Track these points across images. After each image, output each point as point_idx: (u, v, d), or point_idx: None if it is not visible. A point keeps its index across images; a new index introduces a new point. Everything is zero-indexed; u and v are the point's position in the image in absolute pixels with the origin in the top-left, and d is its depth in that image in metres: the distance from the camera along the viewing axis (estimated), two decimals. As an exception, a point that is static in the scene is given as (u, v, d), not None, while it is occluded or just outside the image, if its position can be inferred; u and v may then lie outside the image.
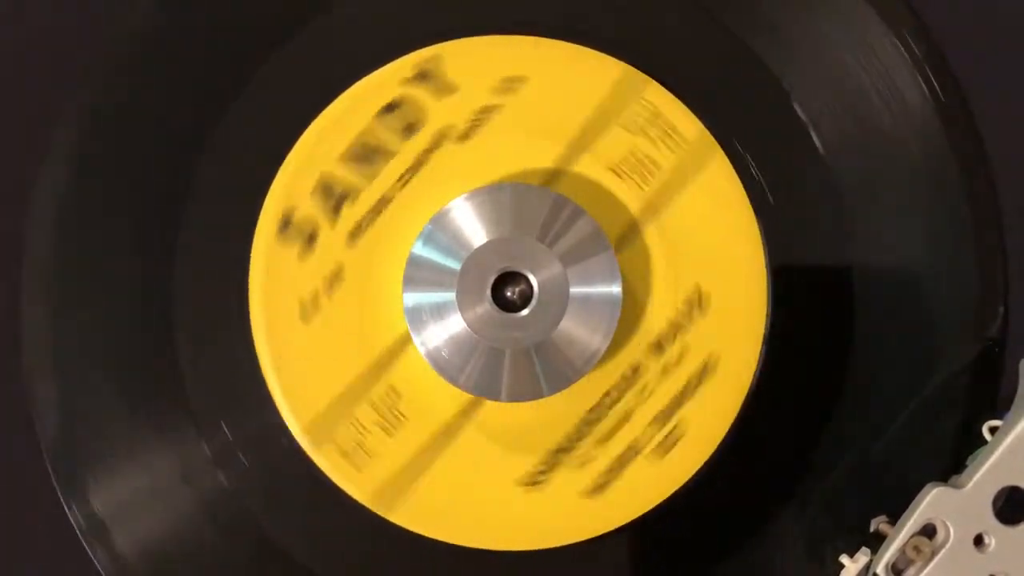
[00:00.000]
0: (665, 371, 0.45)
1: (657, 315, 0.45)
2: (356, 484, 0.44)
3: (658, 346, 0.45)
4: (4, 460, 0.46)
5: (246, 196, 0.45)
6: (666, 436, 0.45)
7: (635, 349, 0.45)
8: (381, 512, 0.44)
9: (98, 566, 0.45)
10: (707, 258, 0.45)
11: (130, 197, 0.45)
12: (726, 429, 0.44)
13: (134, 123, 0.45)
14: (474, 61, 0.45)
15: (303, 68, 0.45)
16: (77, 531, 0.45)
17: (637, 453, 0.45)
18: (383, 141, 0.45)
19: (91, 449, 0.45)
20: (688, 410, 0.45)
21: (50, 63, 0.47)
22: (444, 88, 0.45)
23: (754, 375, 0.45)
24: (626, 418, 0.45)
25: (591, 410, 0.45)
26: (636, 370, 0.45)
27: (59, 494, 0.45)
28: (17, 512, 0.46)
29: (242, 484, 0.45)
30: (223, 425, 0.45)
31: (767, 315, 0.45)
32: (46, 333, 0.45)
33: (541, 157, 0.45)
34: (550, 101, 0.45)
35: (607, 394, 0.45)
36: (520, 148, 0.45)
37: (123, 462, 0.45)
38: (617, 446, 0.45)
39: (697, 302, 0.45)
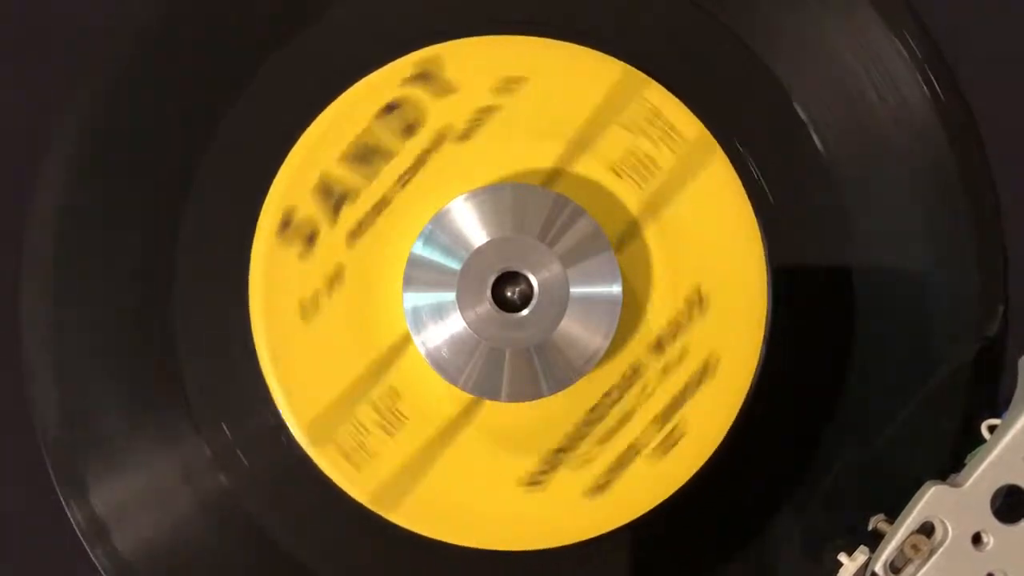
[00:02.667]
0: (665, 371, 0.45)
1: (657, 315, 0.45)
2: (356, 484, 0.44)
3: (658, 346, 0.45)
4: (4, 460, 0.46)
5: (246, 196, 0.45)
6: (666, 436, 0.45)
7: (635, 349, 0.45)
8: (381, 512, 0.44)
9: (98, 566, 0.45)
10: (707, 258, 0.45)
11: (130, 197, 0.45)
12: (726, 429, 0.44)
13: (134, 123, 0.45)
14: (474, 61, 0.45)
15: (303, 68, 0.45)
16: (77, 531, 0.45)
17: (637, 453, 0.45)
18: (383, 142, 0.45)
19: (91, 449, 0.45)
20: (688, 410, 0.45)
21: (49, 63, 0.47)
22: (444, 88, 0.45)
23: (754, 375, 0.45)
24: (627, 418, 0.45)
25: (592, 410, 0.45)
26: (636, 370, 0.45)
27: (59, 494, 0.45)
28: (17, 512, 0.46)
29: (242, 484, 0.45)
30: (223, 425, 0.45)
31: (767, 315, 0.45)
32: (46, 333, 0.45)
33: (541, 157, 0.45)
34: (550, 101, 0.45)
35: (607, 394, 0.45)
36: (520, 148, 0.45)
37: (123, 462, 0.45)
38: (617, 446, 0.45)
39: (697, 302, 0.45)
